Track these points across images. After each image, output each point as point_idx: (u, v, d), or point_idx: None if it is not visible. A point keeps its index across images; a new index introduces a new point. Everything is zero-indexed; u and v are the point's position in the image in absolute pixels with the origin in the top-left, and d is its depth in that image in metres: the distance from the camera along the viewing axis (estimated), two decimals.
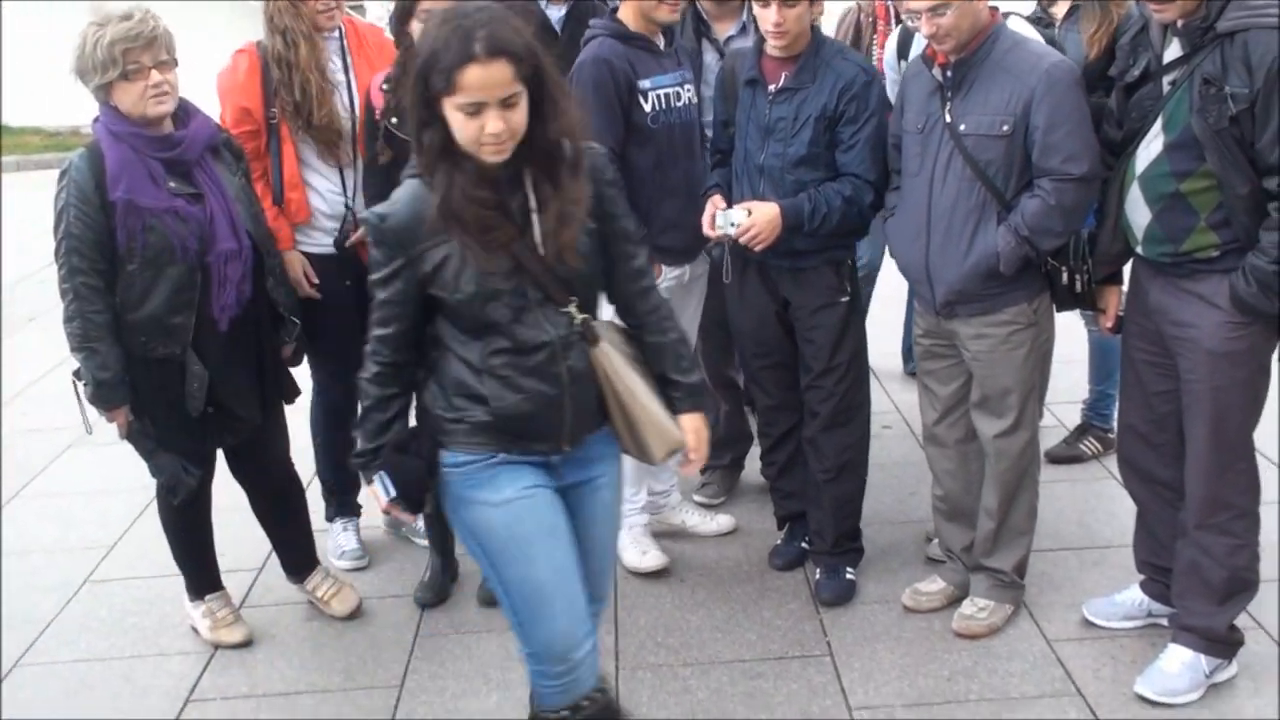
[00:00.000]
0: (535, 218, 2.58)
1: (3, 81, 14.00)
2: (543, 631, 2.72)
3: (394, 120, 3.68)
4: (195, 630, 4.03)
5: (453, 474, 2.71)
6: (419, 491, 2.74)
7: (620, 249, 2.76)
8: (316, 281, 4.06)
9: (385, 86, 3.75)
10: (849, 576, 4.08)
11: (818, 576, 4.08)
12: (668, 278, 3.98)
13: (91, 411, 3.60)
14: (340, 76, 4.04)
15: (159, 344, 3.53)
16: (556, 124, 2.55)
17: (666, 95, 3.87)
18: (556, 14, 4.40)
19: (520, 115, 2.50)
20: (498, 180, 2.55)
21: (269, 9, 3.93)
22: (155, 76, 3.39)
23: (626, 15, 3.88)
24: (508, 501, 2.69)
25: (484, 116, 2.46)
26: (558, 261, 2.60)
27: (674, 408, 2.81)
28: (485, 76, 2.43)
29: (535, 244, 2.58)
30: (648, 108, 3.84)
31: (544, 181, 2.58)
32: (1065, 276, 3.48)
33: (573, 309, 2.64)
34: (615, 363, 2.70)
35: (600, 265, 2.72)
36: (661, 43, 3.90)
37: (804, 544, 4.21)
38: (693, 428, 2.82)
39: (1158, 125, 3.16)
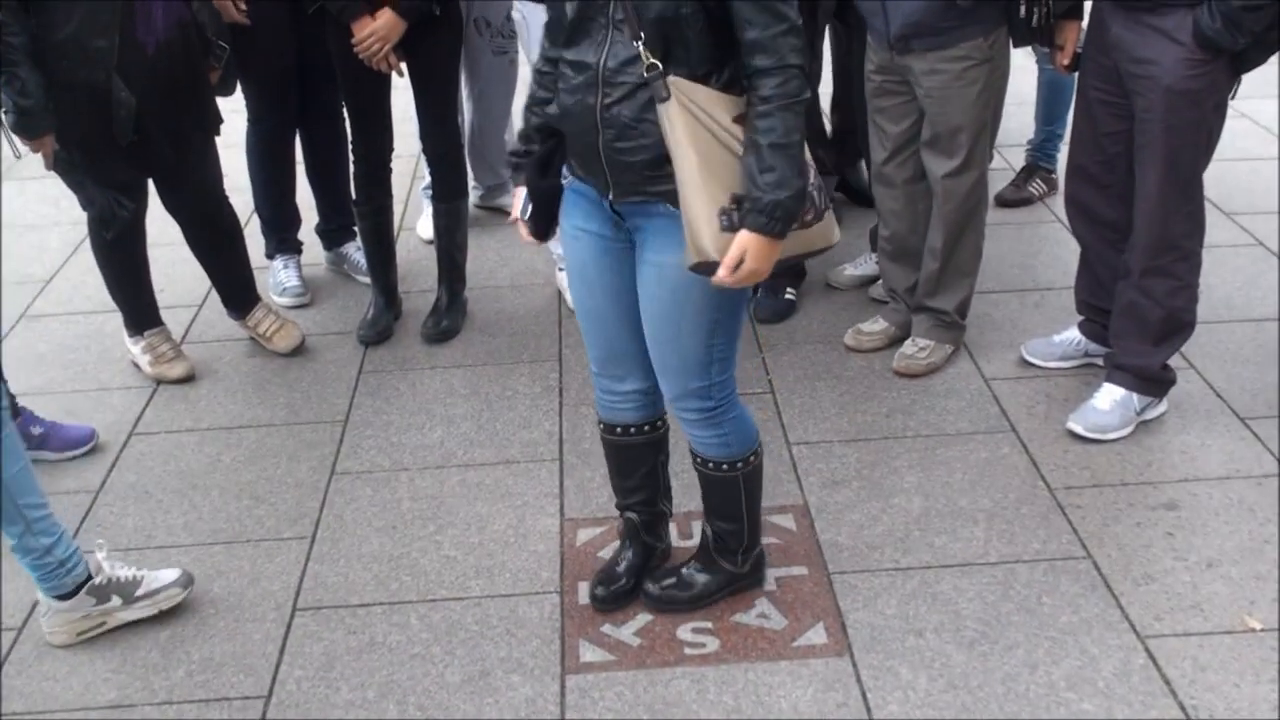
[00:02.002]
0: None
1: None
2: (588, 350, 2.77)
3: None
4: (136, 365, 4.00)
5: None
6: (547, 217, 2.61)
7: (733, 9, 2.28)
8: (244, 7, 3.86)
9: None
10: (789, 296, 4.12)
11: (758, 295, 4.10)
12: None
13: (18, 142, 3.46)
14: None
15: (81, 69, 3.37)
16: None
17: None
18: None
19: None
20: None
21: None
22: None
23: None
24: (563, 231, 2.63)
25: None
26: None
27: (740, 219, 2.33)
28: None
29: None
30: None
31: None
32: (1024, 9, 3.38)
33: (642, 49, 2.28)
34: (678, 130, 2.28)
35: (703, 18, 2.28)
36: None
37: (788, 295, 4.21)
38: (739, 247, 2.31)
39: None
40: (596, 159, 2.41)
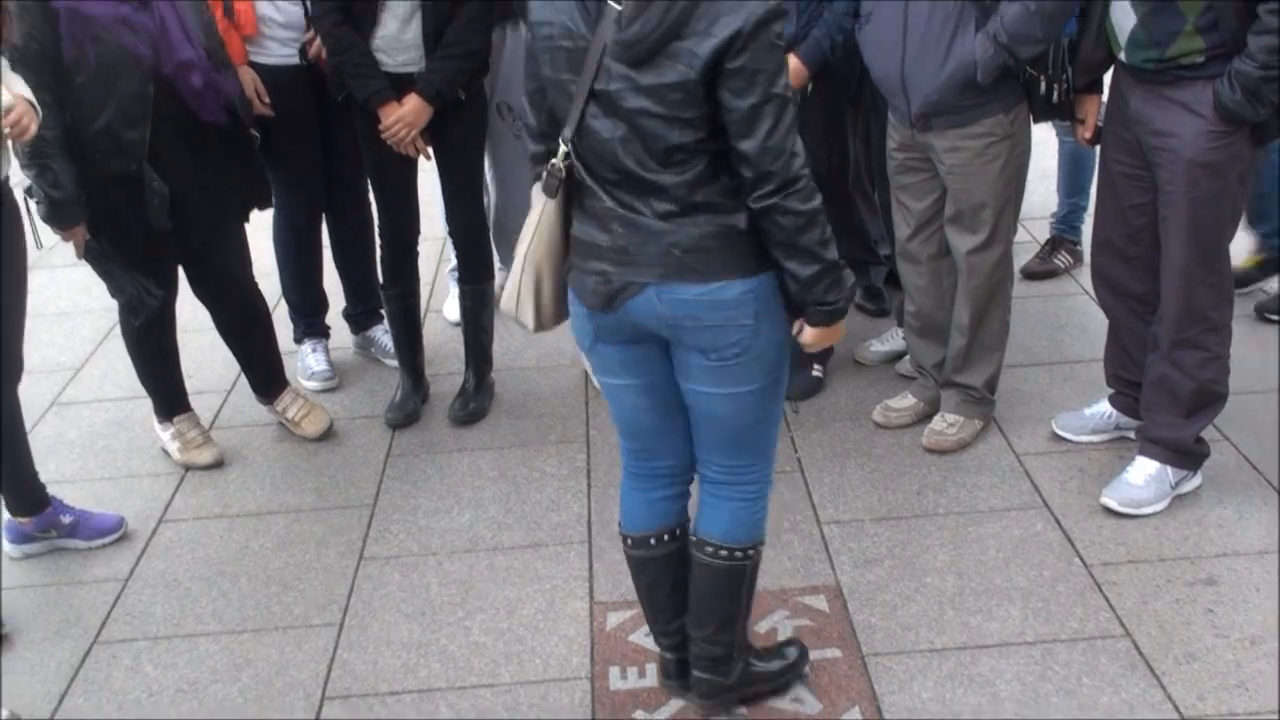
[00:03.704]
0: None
1: None
2: None
3: None
4: (165, 452, 4.02)
5: None
6: None
7: None
8: (268, 100, 3.92)
9: None
10: (816, 374, 4.11)
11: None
12: None
13: (46, 232, 3.50)
14: None
15: (113, 160, 3.42)
16: None
17: None
18: None
19: None
20: None
21: None
22: None
23: None
24: None
25: None
26: None
27: None
28: None
29: None
30: None
31: None
32: (1044, 86, 3.39)
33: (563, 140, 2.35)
34: (541, 220, 2.44)
35: None
36: None
37: (815, 372, 4.19)
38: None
39: None
40: None
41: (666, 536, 2.70)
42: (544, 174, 2.39)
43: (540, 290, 2.49)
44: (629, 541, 2.72)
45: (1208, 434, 3.48)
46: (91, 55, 3.30)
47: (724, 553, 2.62)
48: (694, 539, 2.66)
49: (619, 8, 2.19)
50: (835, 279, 2.34)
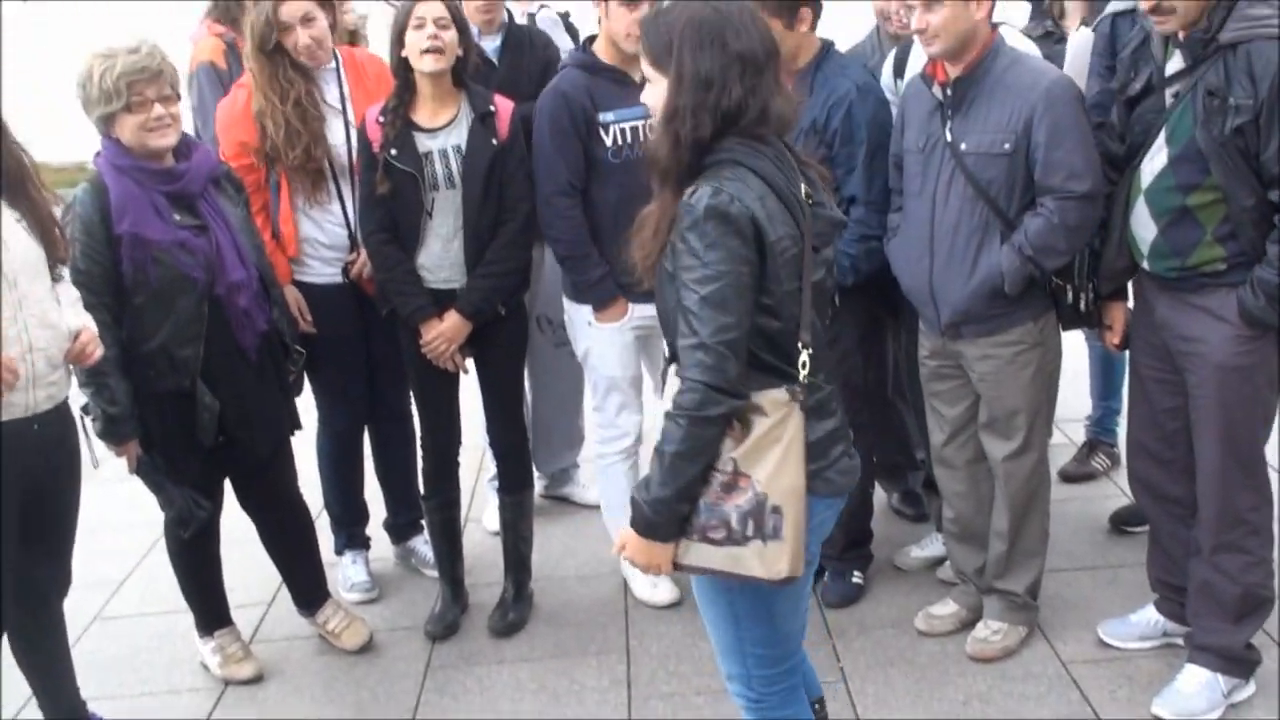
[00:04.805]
0: None
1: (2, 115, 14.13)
2: None
3: (392, 152, 3.69)
4: (205, 666, 4.01)
5: None
6: None
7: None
8: (310, 318, 4.06)
9: (381, 119, 3.75)
10: (856, 580, 4.09)
11: (825, 580, 4.06)
12: (636, 317, 3.97)
13: (98, 446, 3.59)
14: (337, 107, 4.03)
15: (168, 377, 3.54)
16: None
17: (632, 129, 3.83)
18: (492, 45, 4.33)
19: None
20: None
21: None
22: (158, 109, 3.41)
23: (600, 45, 3.90)
24: None
25: None
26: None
27: None
28: None
29: None
30: (608, 141, 3.84)
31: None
32: (1070, 295, 3.46)
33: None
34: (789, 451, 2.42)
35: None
36: (638, 75, 3.88)
37: (855, 579, 4.16)
38: (621, 535, 2.54)
39: (1161, 138, 3.15)
40: None
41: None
42: (791, 395, 2.36)
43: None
44: None
45: (1259, 639, 3.42)
46: (151, 277, 3.45)
47: None
48: None
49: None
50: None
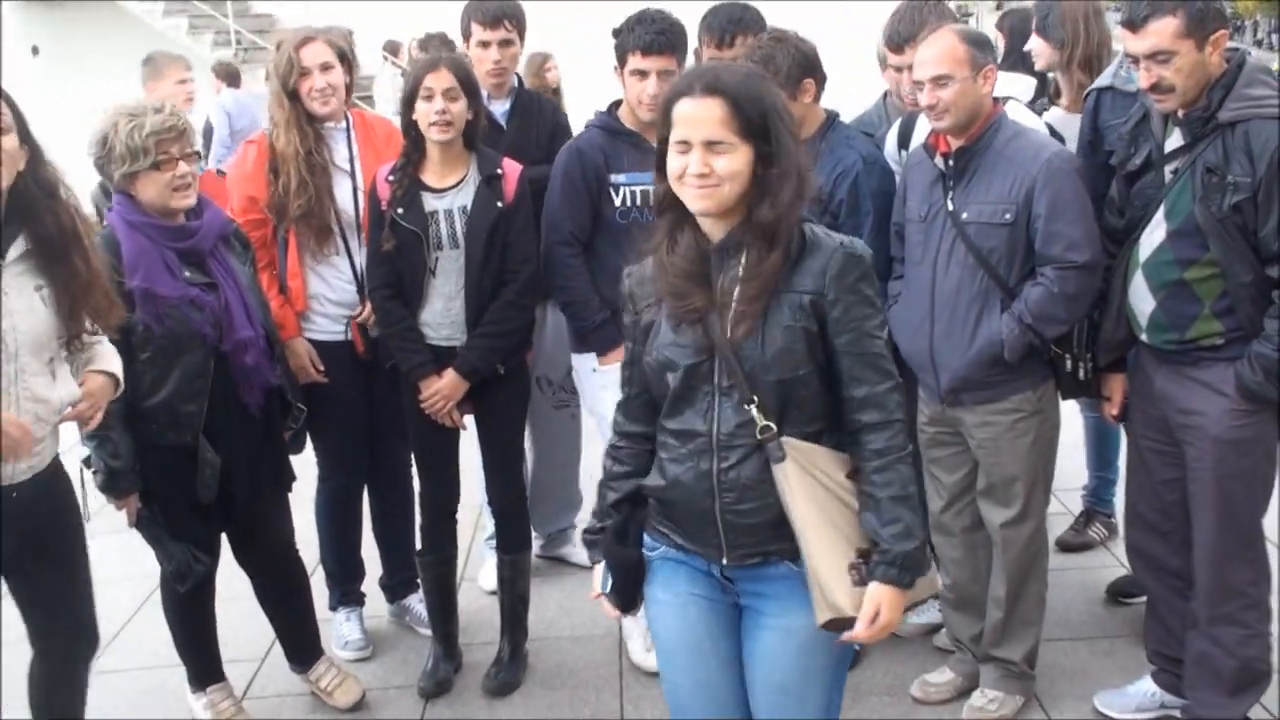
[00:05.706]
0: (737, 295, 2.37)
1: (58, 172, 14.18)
2: None
3: (399, 210, 3.73)
4: None
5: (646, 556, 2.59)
6: (630, 588, 2.57)
7: (841, 369, 2.40)
8: (322, 368, 4.08)
9: (391, 177, 3.80)
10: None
11: None
12: None
13: (93, 499, 3.58)
14: (346, 166, 4.09)
15: (170, 432, 3.54)
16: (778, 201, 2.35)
17: (642, 192, 3.87)
18: (501, 108, 4.40)
19: (729, 164, 2.34)
20: (710, 250, 2.42)
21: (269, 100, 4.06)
22: (183, 167, 3.45)
23: (624, 110, 4.00)
24: (659, 602, 2.57)
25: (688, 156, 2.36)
26: (741, 346, 2.37)
27: (869, 572, 2.38)
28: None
29: (728, 324, 2.38)
30: (617, 202, 3.91)
31: (759, 260, 2.36)
32: (1069, 364, 3.49)
33: (754, 411, 2.36)
34: (795, 490, 2.36)
35: (816, 377, 2.40)
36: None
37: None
38: (872, 601, 2.35)
39: (1160, 213, 3.20)
40: (711, 524, 2.43)
41: None
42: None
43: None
44: None
45: (1256, 714, 3.41)
46: (158, 333, 3.46)
47: None
48: None
49: None
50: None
